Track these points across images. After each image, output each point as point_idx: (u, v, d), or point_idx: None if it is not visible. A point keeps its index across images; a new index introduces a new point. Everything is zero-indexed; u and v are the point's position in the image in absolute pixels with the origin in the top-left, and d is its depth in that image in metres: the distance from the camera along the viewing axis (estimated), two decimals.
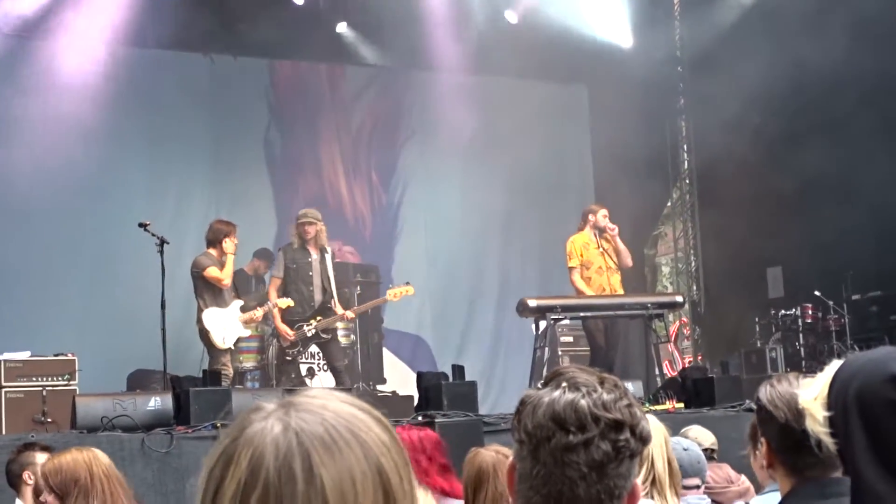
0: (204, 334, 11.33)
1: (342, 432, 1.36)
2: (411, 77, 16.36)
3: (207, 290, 11.33)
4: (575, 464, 1.96)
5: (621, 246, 12.42)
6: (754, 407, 2.98)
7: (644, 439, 1.97)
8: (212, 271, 11.28)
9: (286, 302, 11.70)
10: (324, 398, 1.41)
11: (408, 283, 12.99)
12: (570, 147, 17.24)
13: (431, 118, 16.15)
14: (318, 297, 11.90)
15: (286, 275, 11.87)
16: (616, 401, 1.97)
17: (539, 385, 2.07)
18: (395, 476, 1.38)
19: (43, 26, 13.51)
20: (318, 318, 11.80)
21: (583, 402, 1.98)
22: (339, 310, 12.04)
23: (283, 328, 11.68)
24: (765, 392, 2.87)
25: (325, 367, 12.46)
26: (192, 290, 11.48)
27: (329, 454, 1.34)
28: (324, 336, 11.84)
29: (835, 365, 2.20)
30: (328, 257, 12.12)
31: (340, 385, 11.81)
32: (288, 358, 11.87)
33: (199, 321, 11.30)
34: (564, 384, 2.01)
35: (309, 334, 11.76)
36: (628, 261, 12.54)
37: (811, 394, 2.22)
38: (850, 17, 13.20)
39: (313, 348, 12.42)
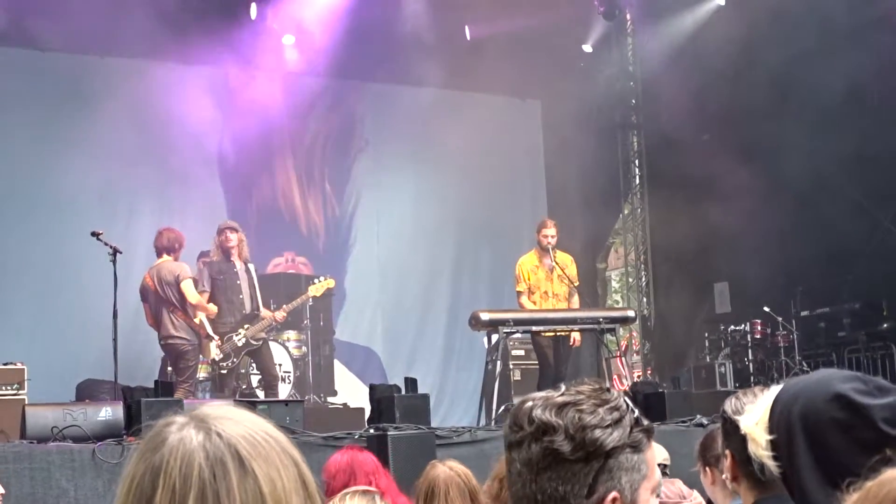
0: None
1: (259, 432, 1.46)
2: (364, 89, 16.37)
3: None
4: (514, 462, 2.00)
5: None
6: (719, 420, 3.01)
7: (587, 448, 1.94)
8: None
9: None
10: (227, 409, 1.51)
11: (328, 277, 12.99)
12: (523, 160, 17.32)
13: (384, 130, 16.20)
14: (247, 305, 11.84)
15: (214, 287, 11.76)
16: (567, 405, 1.97)
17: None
18: (306, 470, 1.48)
19: None
20: (246, 326, 11.71)
21: (529, 405, 2.01)
22: (267, 314, 11.96)
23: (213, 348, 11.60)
24: (730, 405, 2.92)
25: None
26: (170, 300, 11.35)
27: (255, 450, 1.44)
28: (254, 343, 11.77)
29: (775, 389, 2.25)
30: (252, 268, 12.07)
31: (272, 392, 11.77)
32: (223, 371, 11.71)
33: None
34: (556, 390, 2.04)
35: (239, 343, 11.67)
36: None
37: (752, 419, 2.26)
38: (799, 32, 13.39)
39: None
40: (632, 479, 1.97)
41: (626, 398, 2.03)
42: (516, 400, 2.10)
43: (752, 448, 2.24)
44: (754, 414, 2.27)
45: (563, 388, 2.03)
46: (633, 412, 2.01)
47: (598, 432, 1.96)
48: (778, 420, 2.16)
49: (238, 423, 1.46)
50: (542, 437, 1.96)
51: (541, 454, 1.96)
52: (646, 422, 2.03)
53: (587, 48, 16.89)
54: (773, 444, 2.16)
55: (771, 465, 2.18)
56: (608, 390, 2.02)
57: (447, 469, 4.43)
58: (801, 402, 2.12)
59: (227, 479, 1.40)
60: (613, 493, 1.96)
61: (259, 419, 1.50)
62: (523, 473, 1.98)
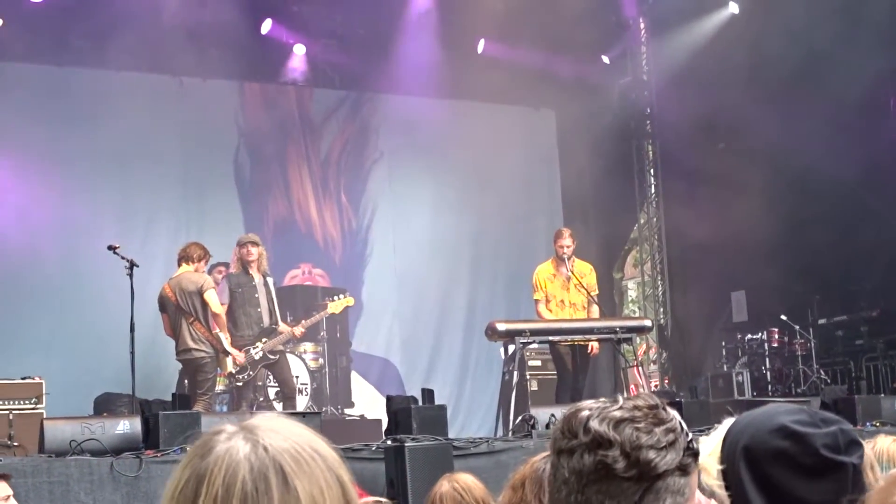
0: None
1: (306, 448, 1.47)
2: (380, 100, 16.40)
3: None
4: (562, 468, 2.00)
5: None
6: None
7: (641, 468, 1.94)
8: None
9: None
10: (278, 421, 1.52)
11: (347, 295, 13.05)
12: (538, 171, 17.32)
13: (399, 141, 16.22)
14: (265, 319, 11.86)
15: (231, 299, 11.79)
16: (625, 421, 1.97)
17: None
18: (350, 488, 1.49)
19: (8, 49, 13.51)
20: (264, 339, 11.73)
21: (585, 413, 2.00)
22: (285, 328, 11.98)
23: (234, 351, 11.55)
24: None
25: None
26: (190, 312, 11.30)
27: (299, 466, 1.44)
28: (271, 357, 11.78)
29: (727, 422, 2.34)
30: (270, 281, 12.08)
31: (291, 404, 11.78)
32: (239, 383, 11.72)
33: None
34: (613, 400, 2.04)
35: (257, 357, 11.68)
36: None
37: (706, 450, 2.32)
38: (812, 38, 13.36)
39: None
40: (675, 502, 1.98)
41: (681, 420, 2.03)
42: (565, 409, 2.09)
43: (703, 478, 2.28)
44: (707, 446, 2.33)
45: (620, 400, 2.02)
46: (688, 435, 2.01)
47: (652, 454, 1.96)
48: (727, 451, 2.25)
49: (286, 438, 1.47)
50: (597, 450, 1.96)
51: (593, 466, 1.96)
52: (695, 446, 2.03)
53: (606, 59, 16.91)
54: (724, 474, 2.24)
55: (722, 493, 2.25)
56: (665, 409, 2.02)
57: (448, 484, 4.44)
58: (748, 434, 2.22)
59: (268, 494, 1.41)
60: None
61: (310, 434, 1.50)
62: (570, 482, 1.98)
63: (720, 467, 2.25)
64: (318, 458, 1.47)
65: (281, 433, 1.48)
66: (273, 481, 1.42)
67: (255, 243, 11.99)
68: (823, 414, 2.25)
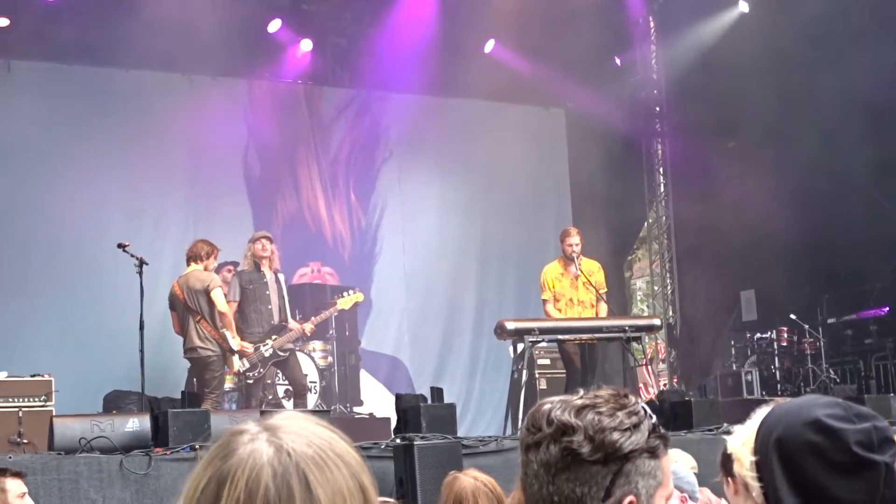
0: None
1: (329, 453, 1.46)
2: (389, 98, 16.40)
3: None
4: (531, 463, 2.01)
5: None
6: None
7: (606, 450, 1.95)
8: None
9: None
10: (300, 420, 1.50)
11: (357, 291, 13.07)
12: (547, 170, 17.30)
13: (409, 140, 16.22)
14: (276, 316, 11.87)
15: (243, 297, 11.80)
16: (587, 408, 1.98)
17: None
18: (372, 494, 1.48)
19: (19, 47, 13.54)
20: (274, 336, 11.74)
21: (547, 407, 2.02)
22: (295, 325, 11.99)
23: (245, 345, 11.53)
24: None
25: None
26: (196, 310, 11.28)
27: (322, 473, 1.43)
28: (281, 354, 11.79)
29: (762, 412, 2.32)
30: (282, 278, 12.10)
31: (301, 401, 11.78)
32: (249, 381, 11.73)
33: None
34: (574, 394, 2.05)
35: (266, 354, 11.69)
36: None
37: (739, 440, 2.35)
38: (823, 37, 13.34)
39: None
40: (648, 485, 1.98)
41: (645, 405, 2.04)
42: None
43: (736, 468, 2.32)
44: (741, 435, 2.35)
45: (581, 392, 2.05)
46: (651, 418, 2.02)
47: (616, 435, 1.97)
48: (760, 444, 2.23)
49: (310, 443, 1.46)
50: (562, 438, 1.97)
51: (559, 455, 1.97)
52: (663, 429, 2.04)
53: (617, 61, 16.92)
54: (757, 465, 2.23)
55: (754, 485, 2.25)
56: (627, 395, 2.04)
57: (472, 479, 4.41)
58: (782, 426, 2.19)
59: (291, 501, 1.40)
60: (630, 498, 1.97)
61: (333, 437, 1.50)
62: (540, 475, 1.99)
63: (753, 458, 2.24)
64: (341, 465, 1.46)
65: (304, 436, 1.46)
66: (296, 488, 1.41)
67: (269, 239, 12.03)
68: (858, 408, 2.21)
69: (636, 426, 1.99)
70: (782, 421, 2.20)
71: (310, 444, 1.45)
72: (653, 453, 1.99)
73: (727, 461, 3.56)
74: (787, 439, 2.16)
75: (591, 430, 1.96)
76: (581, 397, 2.02)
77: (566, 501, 1.97)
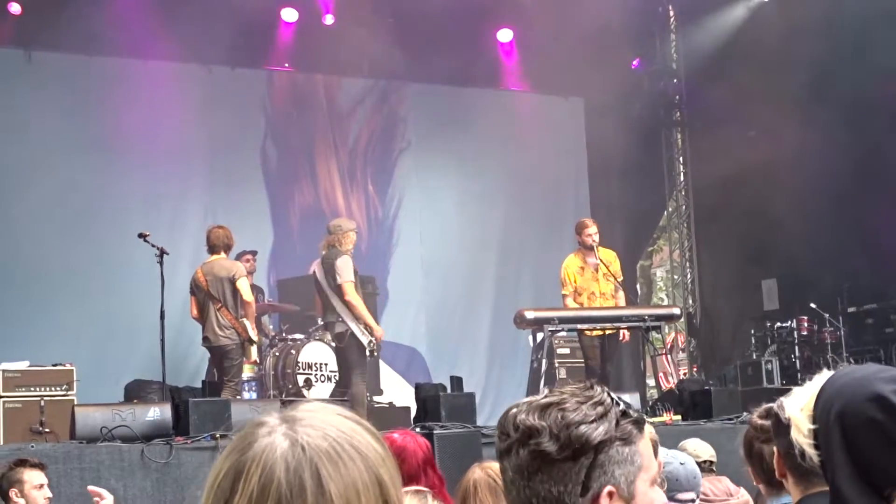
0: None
1: (345, 446, 1.44)
2: (407, 88, 16.39)
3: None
4: (506, 470, 2.02)
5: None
6: (765, 417, 3.00)
7: (574, 445, 1.94)
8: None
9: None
10: (323, 412, 1.49)
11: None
12: (566, 159, 17.26)
13: (427, 130, 16.21)
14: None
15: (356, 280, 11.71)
16: (551, 406, 1.98)
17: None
18: (390, 487, 1.46)
19: (39, 38, 13.58)
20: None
21: (514, 411, 2.02)
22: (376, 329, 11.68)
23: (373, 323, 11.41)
24: (781, 403, 2.91)
25: (322, 379, 12.45)
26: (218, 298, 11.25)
27: (335, 467, 1.42)
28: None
29: (823, 376, 2.24)
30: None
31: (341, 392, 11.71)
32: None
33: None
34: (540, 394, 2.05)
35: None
36: None
37: (798, 404, 2.27)
38: (844, 26, 13.28)
39: (312, 357, 12.44)
40: (626, 472, 1.97)
41: (610, 393, 2.02)
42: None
43: (794, 434, 2.24)
44: (800, 399, 2.27)
45: (546, 391, 2.05)
46: (619, 405, 2.00)
47: (583, 428, 1.96)
48: (820, 412, 2.16)
49: (326, 436, 1.44)
50: (528, 441, 1.97)
51: (529, 458, 1.97)
52: (634, 413, 2.02)
53: (634, 62, 16.92)
54: (815, 434, 2.17)
55: (812, 453, 2.19)
56: (592, 387, 2.03)
57: (480, 471, 4.45)
58: (843, 399, 2.12)
59: (302, 496, 1.39)
60: (609, 488, 1.95)
61: (356, 429, 1.47)
62: (516, 480, 1.99)
63: (812, 426, 2.18)
64: (357, 458, 1.44)
65: (322, 429, 1.45)
66: (308, 483, 1.40)
67: (355, 230, 11.96)
68: None
69: (602, 416, 1.97)
70: (843, 392, 2.14)
71: (325, 437, 1.44)
72: (626, 440, 1.98)
73: (751, 450, 3.53)
74: (849, 414, 2.09)
75: (555, 428, 1.95)
76: (546, 396, 2.02)
77: (545, 502, 1.96)
